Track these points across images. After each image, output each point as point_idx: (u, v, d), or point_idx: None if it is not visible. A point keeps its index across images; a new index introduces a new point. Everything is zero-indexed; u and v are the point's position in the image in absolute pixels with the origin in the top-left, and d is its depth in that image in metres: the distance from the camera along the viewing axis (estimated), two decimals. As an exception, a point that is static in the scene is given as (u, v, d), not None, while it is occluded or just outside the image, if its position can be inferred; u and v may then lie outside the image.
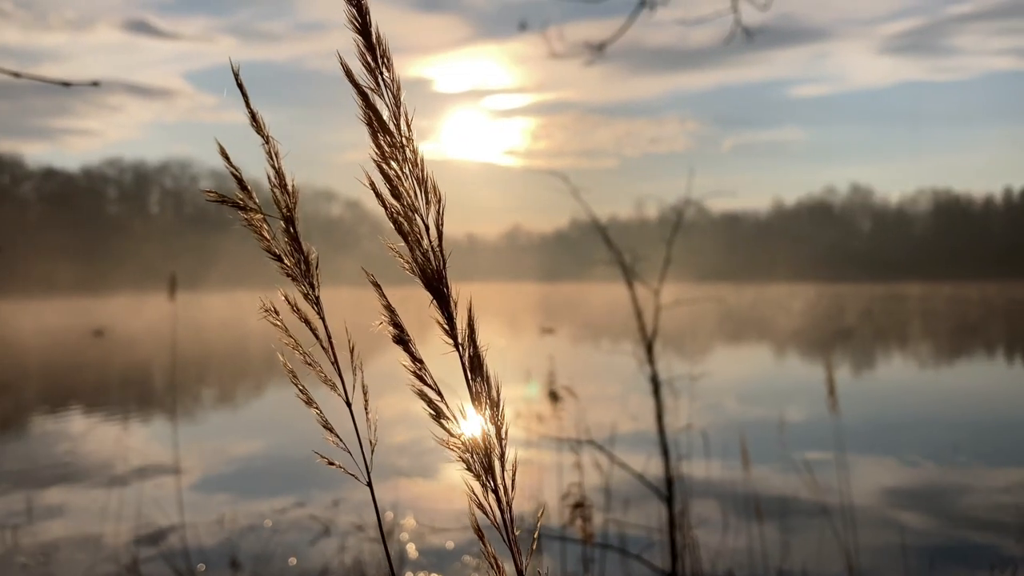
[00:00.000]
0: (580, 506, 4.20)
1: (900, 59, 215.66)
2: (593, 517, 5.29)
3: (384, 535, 0.89)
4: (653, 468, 7.24)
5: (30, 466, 11.65)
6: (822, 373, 6.45)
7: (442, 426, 0.73)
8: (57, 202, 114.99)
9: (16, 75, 1.79)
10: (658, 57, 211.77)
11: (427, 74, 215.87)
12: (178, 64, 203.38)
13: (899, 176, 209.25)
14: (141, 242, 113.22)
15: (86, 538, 8.25)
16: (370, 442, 0.79)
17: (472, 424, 0.73)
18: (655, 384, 6.16)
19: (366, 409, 0.80)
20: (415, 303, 0.82)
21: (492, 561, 0.72)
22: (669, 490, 5.83)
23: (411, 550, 7.81)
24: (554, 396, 7.01)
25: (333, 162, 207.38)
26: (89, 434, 14.48)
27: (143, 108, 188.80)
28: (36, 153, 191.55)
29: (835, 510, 7.99)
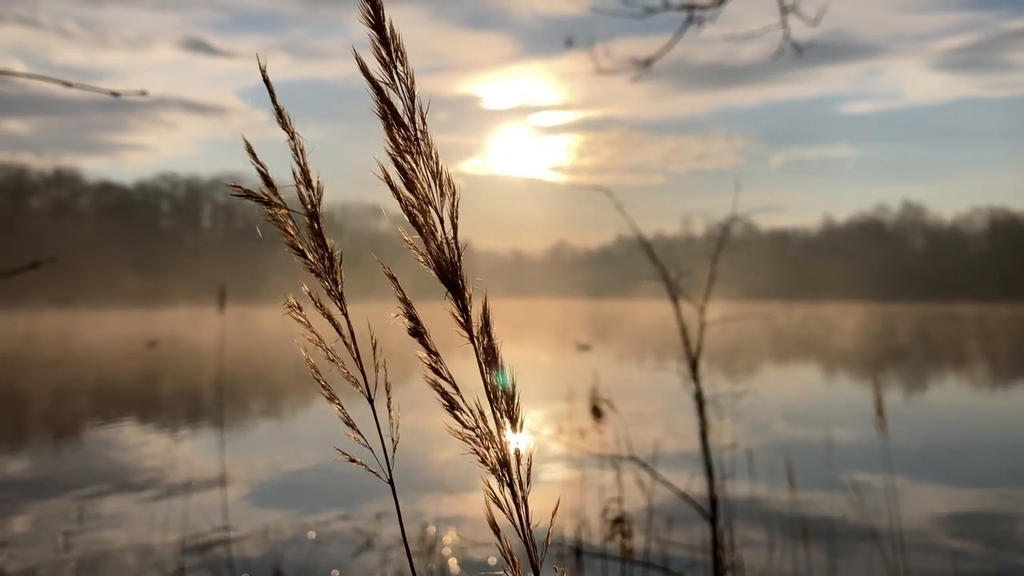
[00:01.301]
0: (620, 521, 4.16)
1: (955, 75, 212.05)
2: (634, 534, 5.24)
3: (405, 534, 0.89)
4: (697, 487, 7.16)
5: (83, 474, 11.88)
6: (871, 394, 6.33)
7: (456, 418, 0.74)
8: (113, 215, 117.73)
9: (67, 84, 1.85)
10: (706, 73, 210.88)
11: (475, 91, 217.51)
12: (232, 81, 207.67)
13: (953, 194, 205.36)
14: (193, 255, 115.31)
15: (135, 546, 8.39)
16: (392, 440, 0.79)
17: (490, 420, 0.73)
18: (699, 402, 6.10)
19: (388, 407, 0.81)
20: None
21: (508, 556, 0.72)
22: (713, 509, 5.75)
23: (452, 564, 7.80)
24: (596, 412, 6.97)
25: (375, 168, 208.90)
26: (140, 444, 14.74)
27: (198, 124, 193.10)
28: (94, 167, 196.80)
29: (884, 534, 7.81)
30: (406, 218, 0.75)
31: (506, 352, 0.77)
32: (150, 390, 24.00)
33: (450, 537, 8.47)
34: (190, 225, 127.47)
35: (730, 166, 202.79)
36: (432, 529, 8.59)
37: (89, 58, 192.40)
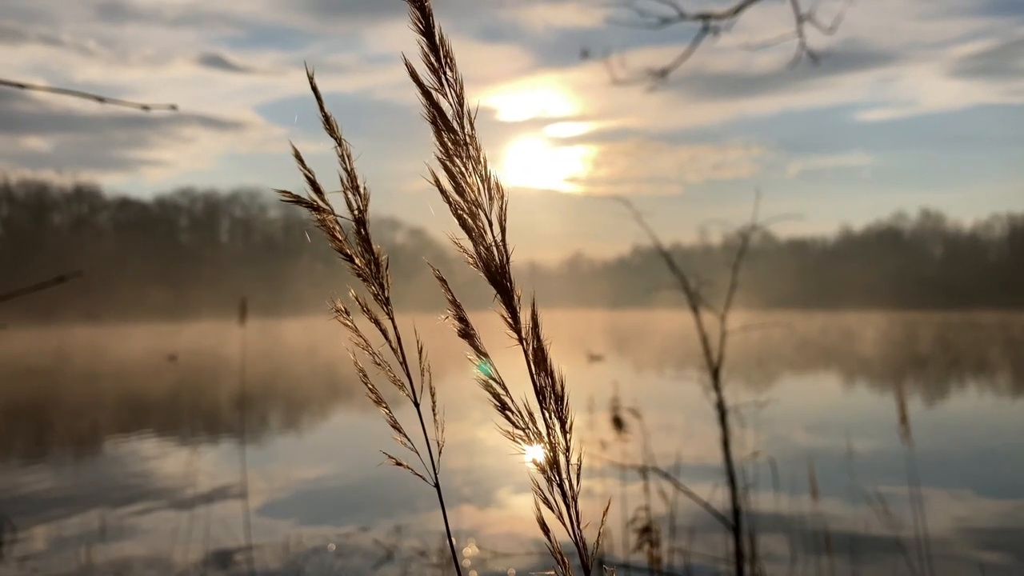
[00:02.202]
0: (647, 531, 4.14)
1: (972, 82, 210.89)
2: (660, 543, 5.22)
3: (451, 538, 0.89)
4: (719, 497, 7.12)
5: (105, 486, 11.95)
6: (894, 402, 6.27)
7: (508, 418, 0.74)
8: (132, 230, 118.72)
9: (100, 99, 1.87)
10: (722, 82, 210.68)
11: (490, 103, 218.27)
12: (249, 97, 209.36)
13: (972, 201, 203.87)
14: (212, 269, 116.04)
15: (156, 558, 8.42)
16: (437, 443, 0.80)
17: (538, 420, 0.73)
18: (721, 411, 6.08)
19: (434, 411, 0.81)
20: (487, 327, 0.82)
21: (558, 557, 0.72)
22: (736, 520, 5.72)
23: (473, 576, 7.79)
24: (618, 422, 6.96)
25: (397, 191, 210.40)
26: (161, 456, 14.81)
27: (216, 140, 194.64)
28: (113, 183, 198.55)
29: (910, 544, 7.74)
30: (455, 221, 0.76)
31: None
32: (171, 403, 24.13)
33: (470, 550, 8.46)
34: (208, 239, 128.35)
35: (747, 175, 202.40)
36: (452, 541, 8.59)
37: (109, 75, 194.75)
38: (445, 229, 0.76)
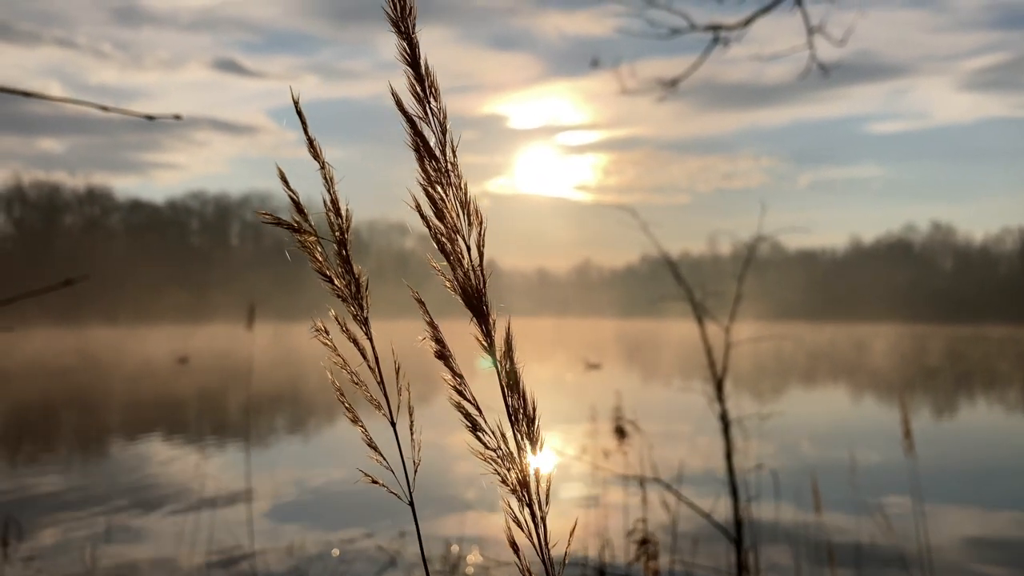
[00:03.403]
0: (646, 543, 4.14)
1: (984, 95, 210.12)
2: (660, 556, 5.21)
3: (424, 555, 0.91)
4: (722, 509, 7.11)
5: (110, 489, 11.99)
6: (899, 415, 6.26)
7: (479, 439, 0.76)
8: (143, 233, 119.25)
9: (104, 108, 1.89)
10: (732, 93, 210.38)
11: (501, 111, 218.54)
12: (262, 101, 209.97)
13: (983, 214, 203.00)
14: (222, 272, 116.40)
15: (161, 561, 8.45)
16: (413, 462, 0.82)
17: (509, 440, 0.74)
18: (725, 423, 6.07)
19: (411, 430, 0.83)
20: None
21: (526, 574, 0.74)
22: (738, 532, 5.72)
23: (475, 584, 7.79)
24: (620, 432, 6.96)
25: (408, 196, 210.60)
26: (168, 460, 14.86)
27: (228, 144, 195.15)
28: (125, 186, 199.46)
29: (913, 559, 7.71)
30: (435, 245, 0.78)
31: (530, 371, 0.79)
32: (180, 406, 24.21)
33: (473, 557, 8.46)
34: (219, 243, 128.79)
35: (757, 186, 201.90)
36: (455, 548, 8.59)
37: (123, 78, 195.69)
38: (428, 254, 0.78)
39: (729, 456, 5.96)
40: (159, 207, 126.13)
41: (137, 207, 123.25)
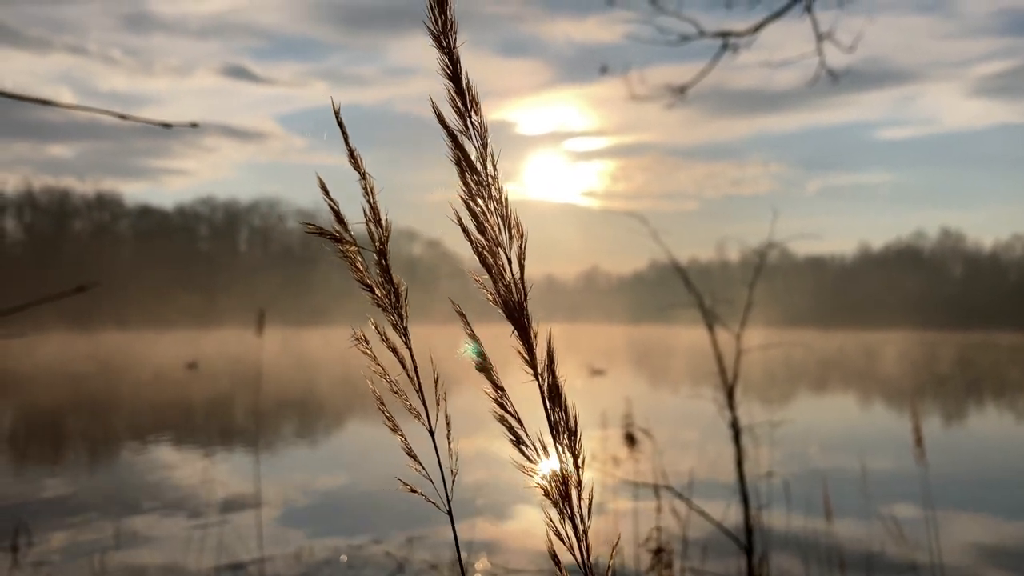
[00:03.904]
0: (660, 551, 4.13)
1: (993, 101, 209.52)
2: (673, 564, 5.19)
3: (463, 565, 0.91)
4: (732, 517, 7.09)
5: (119, 493, 12.02)
6: (909, 423, 6.24)
7: (522, 452, 0.76)
8: (152, 238, 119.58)
9: (122, 117, 1.90)
10: (741, 99, 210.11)
11: (510, 117, 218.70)
12: (271, 107, 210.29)
13: (993, 221, 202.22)
14: (231, 277, 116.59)
15: (170, 567, 8.46)
16: (451, 471, 0.82)
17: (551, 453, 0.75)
18: (735, 430, 6.06)
19: (448, 439, 0.83)
20: (493, 341, 0.85)
21: (569, 587, 0.74)
22: (749, 540, 5.70)
23: (485, 591, 7.77)
24: (631, 439, 6.94)
25: (414, 202, 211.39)
26: (176, 465, 14.88)
27: (237, 149, 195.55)
28: (135, 191, 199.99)
29: (924, 567, 7.67)
30: (476, 258, 0.78)
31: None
32: (188, 411, 24.25)
33: (481, 563, 8.45)
34: (228, 248, 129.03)
35: (766, 192, 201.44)
36: (464, 554, 8.58)
37: (133, 85, 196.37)
38: (468, 265, 0.78)
39: (740, 464, 5.95)
40: (168, 213, 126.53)
41: (146, 212, 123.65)
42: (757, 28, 8.61)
